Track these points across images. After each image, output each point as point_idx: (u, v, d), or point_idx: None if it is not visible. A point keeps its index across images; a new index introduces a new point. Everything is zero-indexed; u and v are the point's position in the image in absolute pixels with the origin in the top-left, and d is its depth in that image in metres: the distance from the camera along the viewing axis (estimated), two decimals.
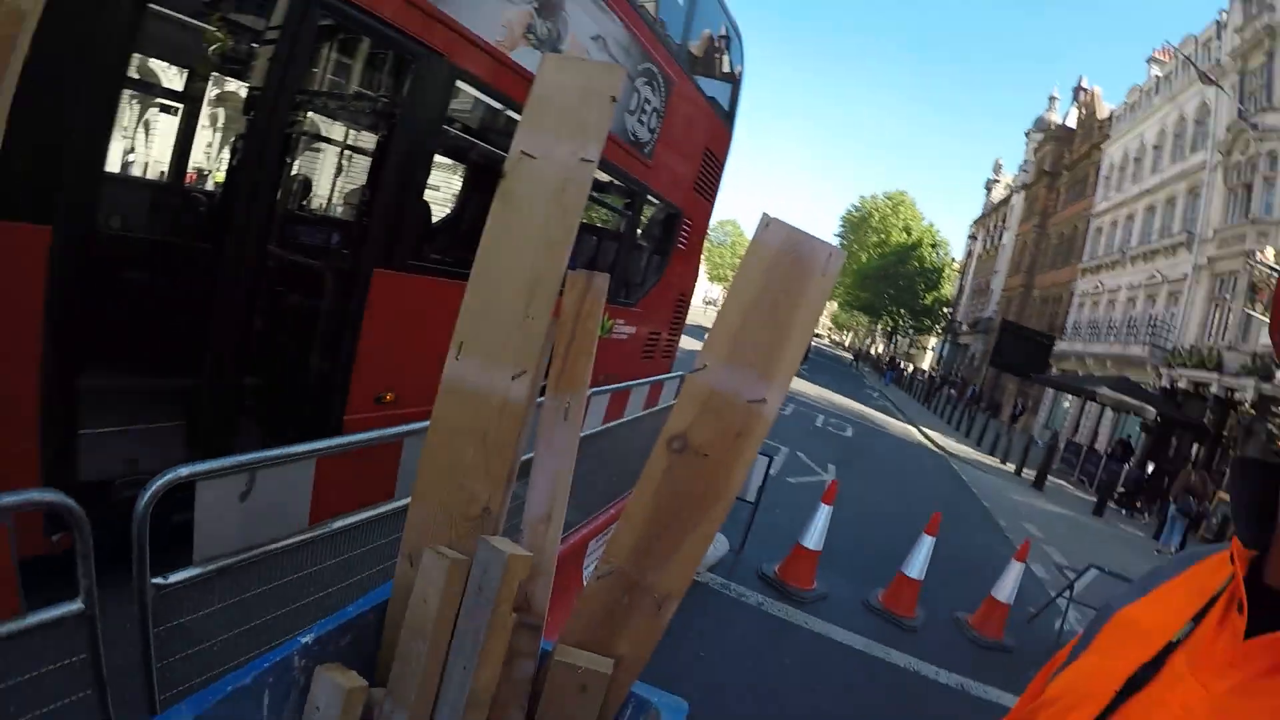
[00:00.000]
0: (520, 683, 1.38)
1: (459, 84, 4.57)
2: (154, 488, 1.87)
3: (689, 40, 7.56)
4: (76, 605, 1.74)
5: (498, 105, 5.29)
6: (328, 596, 2.34)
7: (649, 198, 7.55)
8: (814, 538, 6.30)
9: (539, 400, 1.55)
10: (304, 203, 6.43)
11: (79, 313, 3.00)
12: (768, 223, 1.48)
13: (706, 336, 1.45)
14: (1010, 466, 21.53)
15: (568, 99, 1.60)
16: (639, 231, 7.91)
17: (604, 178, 6.97)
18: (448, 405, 1.50)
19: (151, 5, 3.15)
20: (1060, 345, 33.95)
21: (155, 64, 6.14)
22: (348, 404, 4.23)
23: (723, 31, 8.58)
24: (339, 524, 2.44)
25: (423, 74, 4.26)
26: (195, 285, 4.23)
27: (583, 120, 1.58)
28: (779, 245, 1.45)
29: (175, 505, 1.96)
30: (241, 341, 3.80)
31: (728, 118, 9.03)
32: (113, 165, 6.74)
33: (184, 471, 1.97)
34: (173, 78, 6.20)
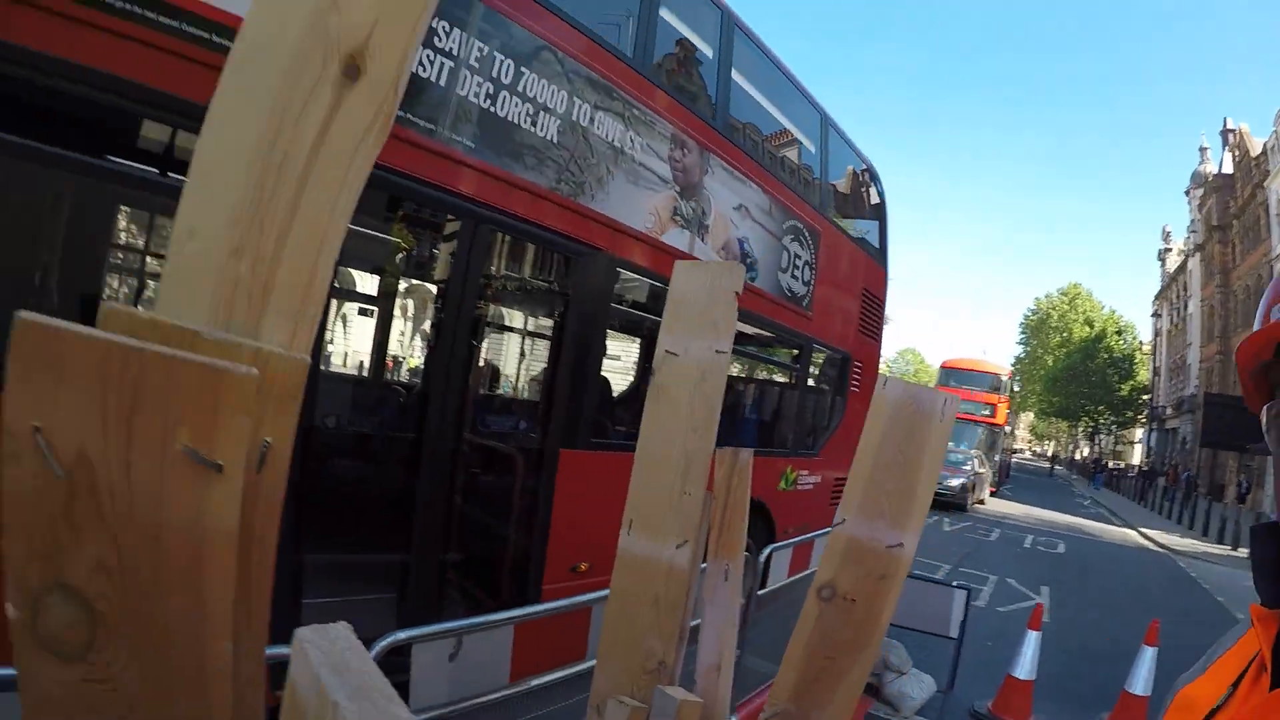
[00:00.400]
0: None
1: (619, 270, 5.07)
2: (379, 647, 2.23)
3: (827, 182, 7.90)
4: None
5: (659, 284, 5.66)
6: None
7: (815, 347, 7.76)
8: (1025, 667, 5.90)
9: (702, 566, 1.78)
10: (492, 389, 7.12)
11: (302, 497, 3.52)
12: (885, 382, 1.70)
13: (845, 489, 1.64)
14: (1243, 551, 19.01)
15: (698, 300, 1.91)
16: (811, 381, 8.11)
17: (769, 335, 7.30)
18: (623, 574, 1.77)
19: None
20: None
21: (353, 272, 7.18)
22: (544, 575, 4.55)
23: (863, 167, 8.94)
24: (536, 681, 2.72)
25: (586, 267, 4.80)
26: (401, 471, 4.80)
27: (713, 318, 1.87)
28: (897, 400, 1.66)
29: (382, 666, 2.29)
30: (444, 521, 4.27)
31: (880, 254, 9.14)
32: (324, 365, 7.90)
33: (403, 635, 2.34)
34: (367, 283, 7.22)
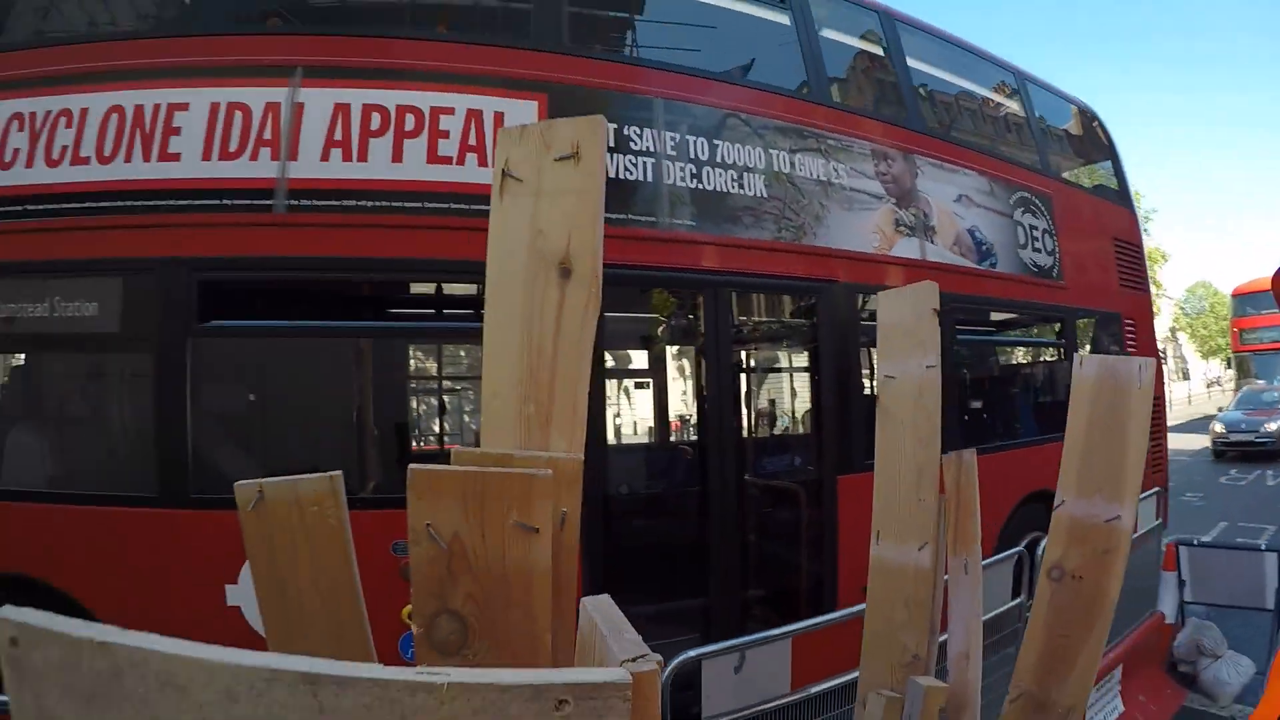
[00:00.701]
0: None
1: (861, 295, 5.21)
2: (672, 665, 2.65)
3: (1042, 140, 7.39)
4: None
5: None
6: None
7: (1079, 315, 7.29)
8: None
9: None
10: (764, 431, 7.43)
11: (614, 556, 4.06)
12: (1080, 361, 1.82)
13: (1060, 472, 1.74)
14: None
15: (904, 323, 2.13)
16: (1086, 350, 7.56)
17: (1026, 317, 7.08)
18: (877, 580, 2.01)
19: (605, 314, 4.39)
20: None
21: (627, 353, 7.92)
22: (838, 598, 4.71)
23: (1078, 110, 8.28)
24: (815, 688, 3.02)
25: (826, 300, 4.99)
26: (694, 522, 5.25)
27: (920, 337, 2.08)
28: (1095, 375, 1.77)
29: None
30: (739, 561, 4.65)
31: (1121, 196, 8.29)
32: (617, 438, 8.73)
33: (692, 654, 2.76)
34: (639, 359, 7.94)
